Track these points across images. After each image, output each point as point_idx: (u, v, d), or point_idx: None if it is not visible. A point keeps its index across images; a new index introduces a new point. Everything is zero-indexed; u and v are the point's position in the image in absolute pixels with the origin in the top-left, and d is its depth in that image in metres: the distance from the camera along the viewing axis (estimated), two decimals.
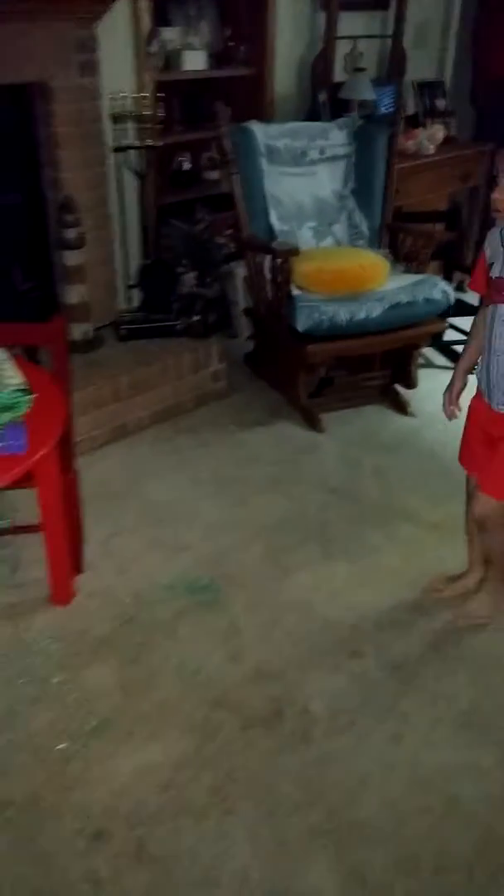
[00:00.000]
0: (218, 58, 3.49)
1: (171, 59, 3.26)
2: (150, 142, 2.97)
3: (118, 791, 1.60)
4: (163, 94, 3.05)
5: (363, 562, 2.30)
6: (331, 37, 3.55)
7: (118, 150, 2.97)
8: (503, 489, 1.79)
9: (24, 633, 2.01)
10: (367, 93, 3.58)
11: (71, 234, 2.82)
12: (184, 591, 2.16)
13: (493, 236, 1.75)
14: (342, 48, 3.71)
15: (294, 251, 2.78)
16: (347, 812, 1.57)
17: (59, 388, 1.88)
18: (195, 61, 3.31)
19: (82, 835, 1.52)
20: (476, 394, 1.86)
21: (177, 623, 2.05)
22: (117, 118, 2.91)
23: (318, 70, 3.61)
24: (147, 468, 2.76)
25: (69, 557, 2.11)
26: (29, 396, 1.77)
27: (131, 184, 3.10)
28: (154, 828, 1.53)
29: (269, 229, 3.08)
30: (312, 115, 3.62)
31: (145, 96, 2.97)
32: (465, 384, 1.94)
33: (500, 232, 1.72)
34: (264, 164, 3.07)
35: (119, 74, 2.95)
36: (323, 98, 3.54)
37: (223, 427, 3.03)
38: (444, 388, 1.97)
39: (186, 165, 3.67)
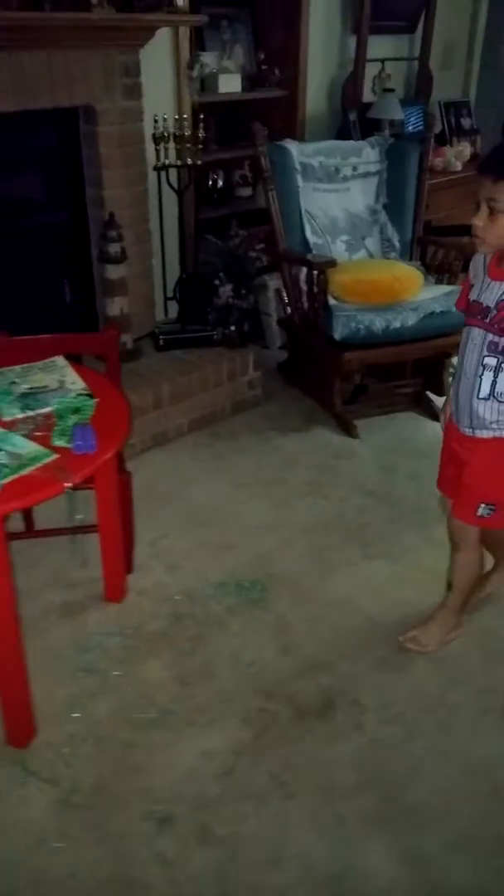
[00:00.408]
0: (252, 80, 3.62)
1: (207, 82, 3.39)
2: (190, 161, 3.08)
3: (181, 777, 1.68)
4: (202, 116, 3.16)
5: (402, 561, 2.37)
6: (361, 59, 3.67)
7: (159, 168, 3.09)
8: (471, 514, 1.81)
9: (81, 629, 2.09)
10: (395, 113, 3.70)
11: (114, 248, 2.93)
12: (232, 588, 2.24)
13: (476, 260, 1.72)
14: (371, 70, 3.83)
15: (331, 263, 2.88)
16: (402, 796, 1.63)
17: (119, 391, 1.98)
18: (230, 84, 3.44)
19: (149, 819, 1.59)
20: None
21: (228, 618, 2.13)
22: (158, 138, 3.02)
23: (349, 91, 3.73)
24: (189, 473, 2.85)
25: (123, 556, 2.20)
26: (93, 400, 1.87)
27: (170, 201, 3.21)
28: (218, 811, 1.60)
29: (304, 243, 3.19)
30: (341, 134, 3.74)
31: (185, 117, 3.09)
32: None
33: (484, 257, 1.69)
34: (299, 180, 3.18)
35: (160, 97, 3.07)
36: (353, 118, 3.66)
37: (261, 433, 3.12)
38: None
39: (220, 183, 3.79)
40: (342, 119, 3.78)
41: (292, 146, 3.19)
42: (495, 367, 1.66)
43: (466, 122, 4.43)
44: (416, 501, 2.66)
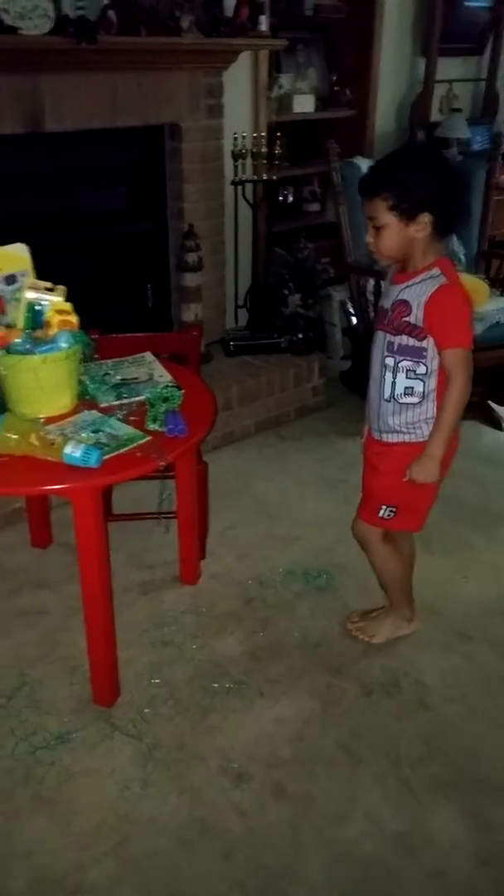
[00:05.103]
0: (324, 100, 3.78)
1: (282, 102, 3.57)
2: (265, 176, 3.25)
3: (255, 740, 1.79)
4: (279, 134, 3.33)
5: (463, 557, 2.46)
6: (429, 80, 3.81)
7: (236, 183, 3.27)
8: (373, 516, 1.88)
9: (158, 607, 2.24)
10: (462, 131, 3.82)
11: (192, 258, 3.11)
12: (300, 576, 2.36)
13: (389, 272, 1.83)
14: (439, 90, 3.96)
15: None
16: (467, 768, 1.72)
17: (203, 383, 2.13)
18: (304, 104, 3.61)
19: (226, 775, 1.71)
20: None
21: (295, 603, 2.25)
22: (237, 155, 3.20)
23: (417, 110, 3.87)
24: (255, 470, 2.99)
25: (198, 541, 2.34)
26: (181, 391, 2.02)
27: (244, 214, 3.39)
28: (291, 771, 1.72)
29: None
30: None
31: (262, 135, 3.26)
32: None
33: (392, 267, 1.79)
34: None
35: (239, 116, 3.25)
36: (421, 136, 3.79)
37: (323, 436, 3.24)
38: None
39: (289, 198, 3.96)
40: (410, 138, 3.91)
41: (363, 163, 3.32)
42: (393, 368, 1.74)
43: None
44: (477, 503, 2.74)
